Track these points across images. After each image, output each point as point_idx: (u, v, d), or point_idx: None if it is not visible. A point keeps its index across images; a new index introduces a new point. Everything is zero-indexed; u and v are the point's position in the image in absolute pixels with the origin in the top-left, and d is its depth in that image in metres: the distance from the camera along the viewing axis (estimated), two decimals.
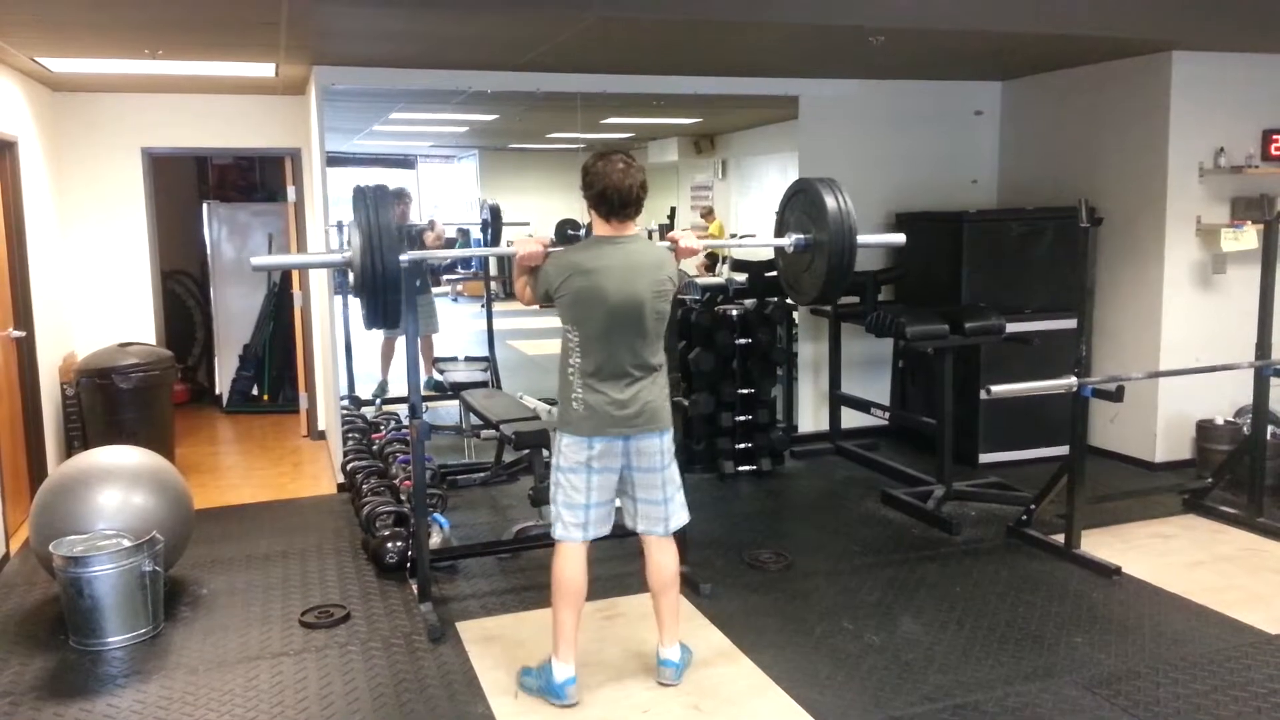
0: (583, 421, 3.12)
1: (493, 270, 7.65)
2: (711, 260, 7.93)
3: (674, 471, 3.29)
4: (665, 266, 3.17)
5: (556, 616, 3.19)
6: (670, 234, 3.44)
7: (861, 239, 3.65)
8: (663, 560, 3.29)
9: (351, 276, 3.33)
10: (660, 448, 3.21)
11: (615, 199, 3.04)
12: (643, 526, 3.29)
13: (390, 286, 3.22)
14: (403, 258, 3.29)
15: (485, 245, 7.46)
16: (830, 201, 3.56)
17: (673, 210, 7.16)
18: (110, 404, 5.60)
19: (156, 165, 6.54)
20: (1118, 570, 4.15)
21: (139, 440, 4.64)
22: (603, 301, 3.03)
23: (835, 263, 3.60)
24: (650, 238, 3.54)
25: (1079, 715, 3.04)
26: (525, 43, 4.85)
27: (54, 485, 3.99)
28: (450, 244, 8.23)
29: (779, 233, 3.87)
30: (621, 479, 3.23)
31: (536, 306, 3.29)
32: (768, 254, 6.47)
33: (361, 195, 3.24)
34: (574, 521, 3.17)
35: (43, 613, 3.95)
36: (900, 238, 4.19)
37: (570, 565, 3.18)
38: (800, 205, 3.78)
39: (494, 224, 7.33)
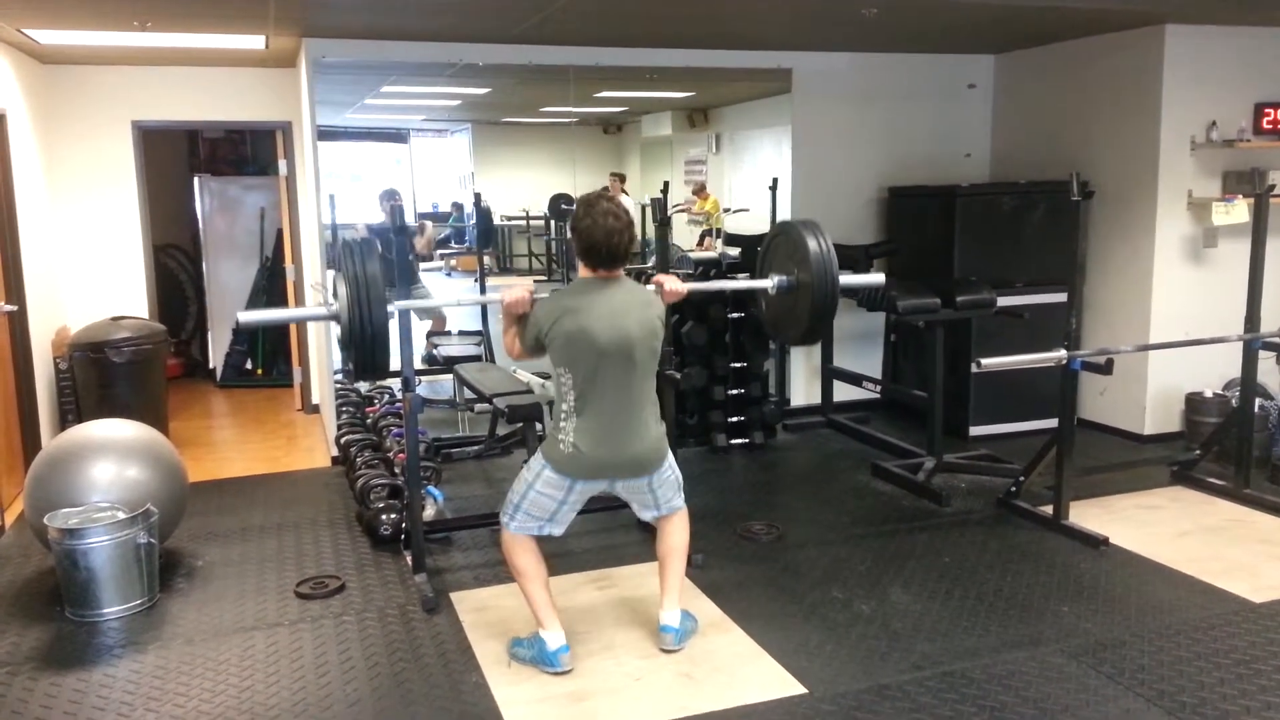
0: (568, 463, 3.12)
1: (485, 245, 7.64)
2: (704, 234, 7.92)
3: (665, 479, 3.28)
4: (653, 305, 3.20)
5: (527, 595, 3.26)
6: (656, 277, 3.45)
7: (843, 280, 3.70)
8: (670, 528, 3.36)
9: (338, 330, 3.34)
10: (646, 485, 3.24)
11: (603, 254, 3.06)
12: (643, 515, 3.39)
13: (377, 339, 3.23)
14: (390, 308, 3.33)
15: (476, 234, 7.50)
16: (812, 243, 3.61)
17: (666, 185, 7.13)
18: (103, 378, 5.60)
19: (147, 139, 6.50)
20: (1105, 541, 4.20)
21: (132, 414, 4.65)
22: (593, 342, 3.03)
23: (819, 303, 3.63)
24: (638, 276, 3.57)
25: (1065, 683, 3.09)
26: (517, 14, 4.82)
27: (48, 458, 4.01)
28: (444, 217, 8.22)
29: (761, 274, 3.92)
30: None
31: (519, 354, 3.26)
32: (761, 229, 6.49)
33: (349, 248, 3.25)
34: (532, 524, 3.22)
35: (38, 585, 3.98)
36: (880, 278, 4.29)
37: (524, 553, 3.24)
38: (782, 248, 3.83)
39: (480, 222, 7.38)
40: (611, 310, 3.07)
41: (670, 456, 3.32)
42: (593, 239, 3.04)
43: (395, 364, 3.57)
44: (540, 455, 3.19)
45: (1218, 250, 5.62)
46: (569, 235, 3.13)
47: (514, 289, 3.22)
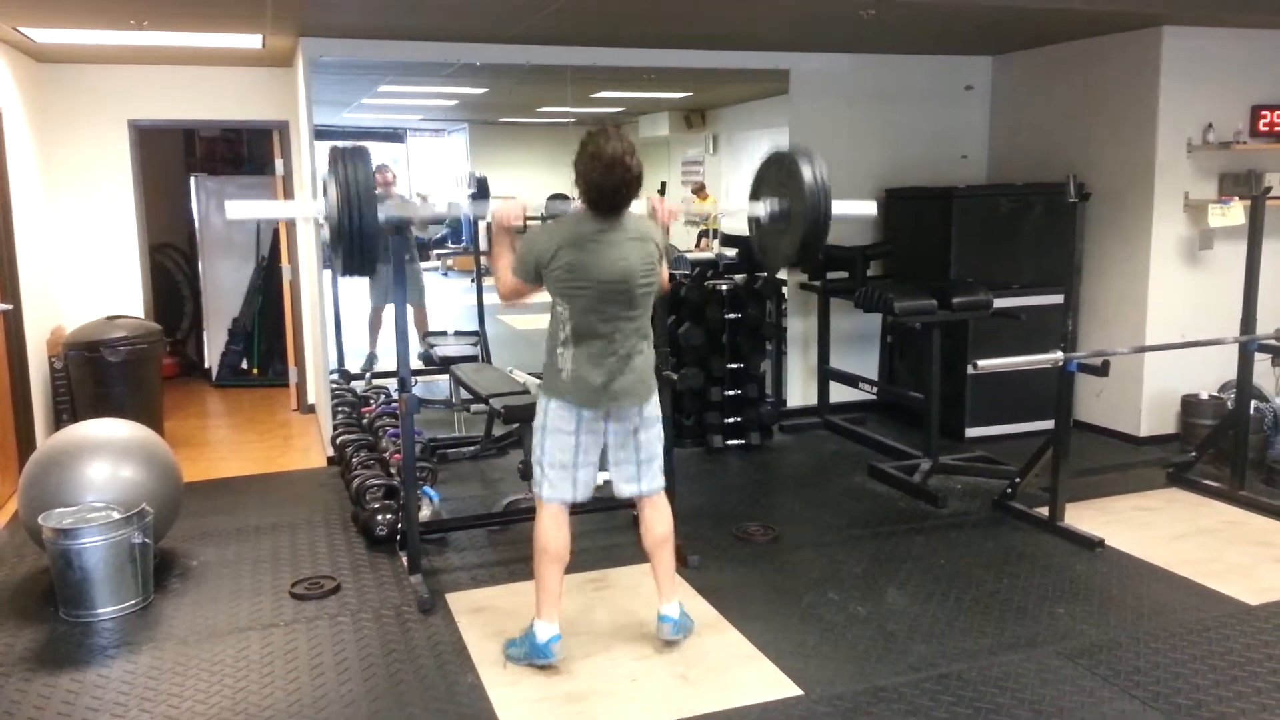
0: (570, 393, 3.13)
1: (483, 245, 7.62)
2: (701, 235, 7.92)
3: (652, 438, 3.28)
4: (650, 238, 3.15)
5: (541, 576, 3.21)
6: (650, 198, 3.39)
7: (836, 207, 3.60)
8: (652, 518, 3.32)
9: (327, 229, 3.31)
10: (641, 416, 3.23)
11: (608, 203, 3.02)
12: (623, 490, 3.30)
13: (366, 235, 3.19)
14: (382, 214, 3.28)
15: (473, 223, 7.45)
16: (806, 171, 3.52)
17: (663, 185, 7.12)
18: (99, 377, 5.58)
19: (143, 138, 6.49)
20: (1101, 542, 4.20)
21: (127, 413, 4.63)
22: (594, 275, 3.02)
23: (811, 230, 3.56)
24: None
25: (1061, 685, 3.09)
26: (514, 14, 4.81)
27: (43, 458, 3.99)
28: (439, 220, 8.19)
29: (754, 199, 3.84)
30: (606, 442, 3.26)
31: (524, 298, 3.19)
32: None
33: (338, 152, 3.22)
34: (563, 480, 3.19)
35: (32, 585, 3.97)
36: (871, 206, 4.13)
37: (556, 527, 3.20)
38: (775, 175, 3.75)
39: (480, 197, 7.30)
40: (612, 243, 3.04)
41: (656, 397, 3.29)
42: (601, 191, 2.98)
43: (390, 363, 3.56)
44: (543, 395, 3.22)
45: (1214, 252, 5.63)
46: (574, 176, 3.04)
47: (504, 204, 3.18)
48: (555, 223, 3.15)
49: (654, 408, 3.29)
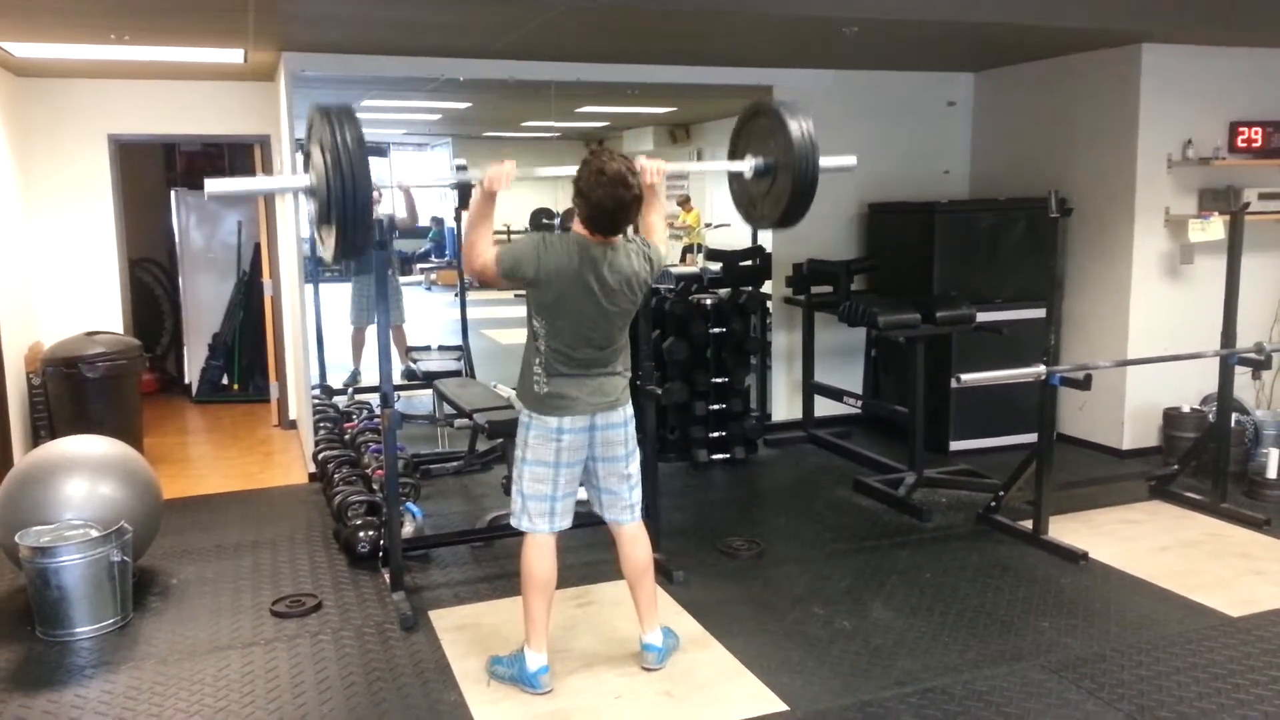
0: (548, 403, 3.11)
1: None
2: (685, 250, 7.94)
3: (636, 463, 3.29)
4: (640, 261, 3.11)
5: (527, 606, 3.20)
6: (638, 159, 3.20)
7: (822, 162, 3.46)
8: (634, 553, 3.30)
9: (314, 205, 3.05)
10: (625, 434, 3.22)
11: (608, 223, 2.98)
12: (609, 515, 3.30)
13: (360, 211, 2.88)
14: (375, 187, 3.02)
15: (458, 232, 7.41)
16: (793, 125, 3.40)
17: None
18: (77, 393, 5.53)
19: (123, 152, 6.45)
20: (1085, 555, 4.21)
21: (106, 430, 4.58)
22: (576, 310, 3.02)
23: (799, 185, 3.42)
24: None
25: (1045, 698, 3.08)
26: (497, 30, 4.82)
27: (20, 475, 3.94)
28: (424, 232, 8.19)
29: (735, 157, 3.69)
30: (586, 469, 3.24)
31: (491, 276, 3.05)
32: (743, 244, 6.50)
33: (323, 111, 2.91)
34: (540, 513, 3.18)
35: (9, 604, 3.91)
36: (852, 159, 3.84)
37: (540, 556, 3.19)
38: (759, 128, 3.60)
39: (463, 207, 7.28)
40: (601, 282, 3.00)
41: (634, 424, 3.27)
42: (602, 208, 2.94)
43: (372, 380, 3.53)
44: (523, 413, 3.19)
45: (1194, 267, 5.68)
46: (573, 197, 3.00)
47: (498, 166, 3.09)
48: (551, 245, 3.04)
49: (634, 428, 3.27)
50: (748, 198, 3.73)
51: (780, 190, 3.49)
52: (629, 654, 3.40)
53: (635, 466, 3.28)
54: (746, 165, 3.60)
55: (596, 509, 3.34)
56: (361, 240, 2.98)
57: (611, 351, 3.15)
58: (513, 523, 3.26)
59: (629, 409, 3.25)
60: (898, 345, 5.61)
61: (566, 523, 3.24)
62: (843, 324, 5.62)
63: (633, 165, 3.01)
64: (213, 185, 2.98)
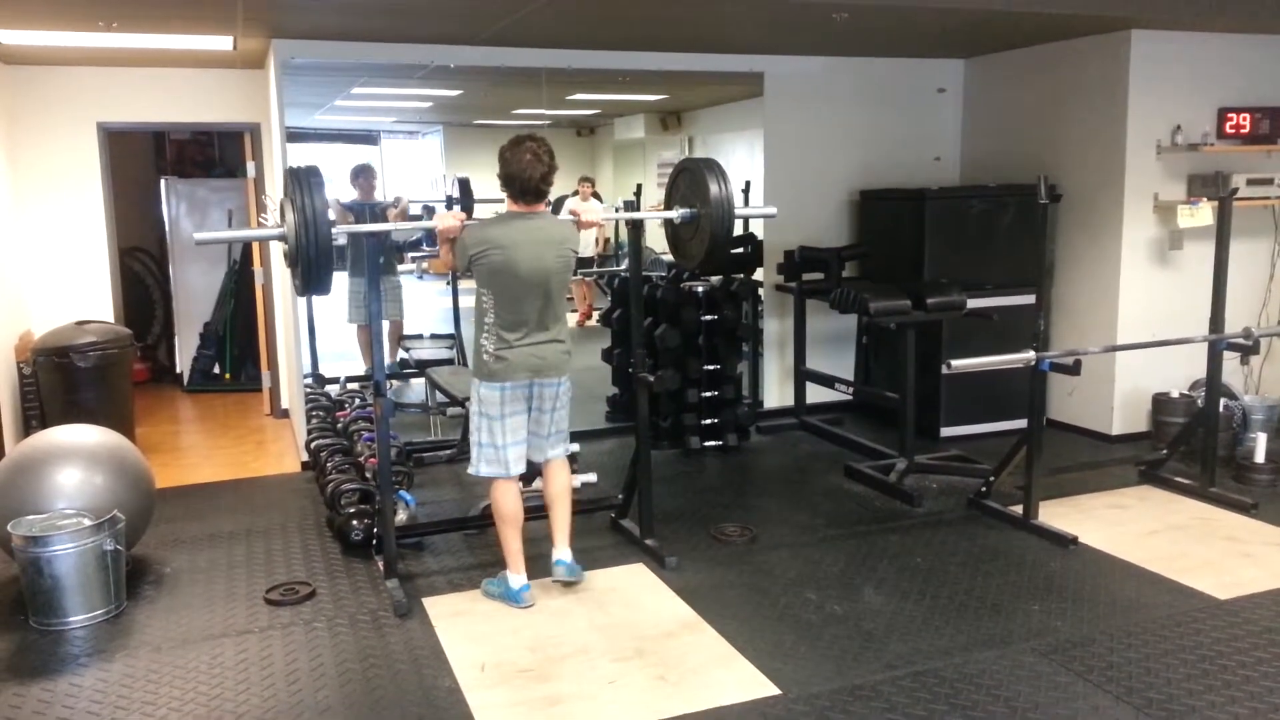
0: (496, 371, 3.60)
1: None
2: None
3: (563, 415, 3.79)
4: (568, 240, 3.67)
5: (502, 538, 3.73)
6: (573, 208, 3.88)
7: (739, 210, 4.19)
8: (552, 473, 3.84)
9: (284, 249, 3.53)
10: (557, 393, 3.73)
11: (519, 186, 3.54)
12: (535, 456, 3.81)
13: (321, 258, 3.36)
14: (336, 230, 3.47)
15: None
16: (712, 186, 3.93)
17: (639, 188, 7.13)
18: (68, 383, 5.52)
19: (113, 140, 6.42)
20: (1074, 540, 4.24)
21: (98, 419, 4.58)
22: (514, 272, 3.52)
23: (716, 235, 3.96)
24: (553, 209, 4.08)
25: (1035, 681, 3.11)
26: (487, 17, 4.80)
27: (12, 465, 3.94)
28: (417, 244, 8.14)
29: (668, 205, 4.26)
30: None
31: (461, 273, 3.72)
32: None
33: (294, 175, 3.41)
34: (494, 459, 3.67)
35: (2, 594, 3.91)
36: (772, 210, 4.57)
37: (503, 495, 3.72)
38: (686, 182, 4.15)
39: (464, 199, 7.24)
40: (532, 242, 3.54)
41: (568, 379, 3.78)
42: (512, 171, 3.51)
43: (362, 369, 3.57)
44: (474, 380, 3.69)
45: (1183, 252, 5.70)
46: (498, 174, 3.57)
47: (447, 216, 3.63)
48: (484, 222, 3.63)
49: (568, 389, 3.78)
50: (678, 239, 4.27)
51: (703, 234, 4.03)
52: (623, 639, 3.42)
53: (559, 421, 3.78)
54: (675, 214, 4.15)
55: (531, 454, 3.78)
56: (321, 283, 3.46)
57: (547, 316, 3.62)
58: (475, 471, 3.74)
59: (562, 386, 3.74)
60: (889, 332, 5.63)
61: (518, 469, 3.73)
62: (834, 311, 5.63)
63: (543, 140, 3.56)
64: (200, 236, 3.51)
